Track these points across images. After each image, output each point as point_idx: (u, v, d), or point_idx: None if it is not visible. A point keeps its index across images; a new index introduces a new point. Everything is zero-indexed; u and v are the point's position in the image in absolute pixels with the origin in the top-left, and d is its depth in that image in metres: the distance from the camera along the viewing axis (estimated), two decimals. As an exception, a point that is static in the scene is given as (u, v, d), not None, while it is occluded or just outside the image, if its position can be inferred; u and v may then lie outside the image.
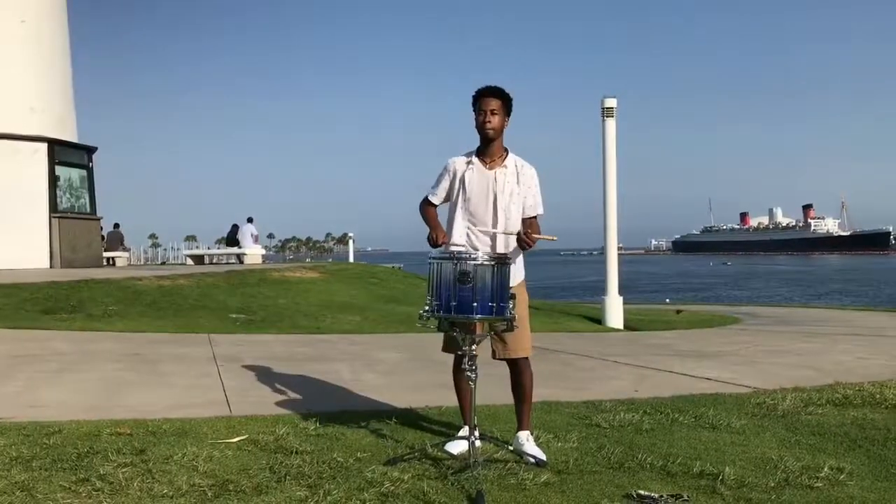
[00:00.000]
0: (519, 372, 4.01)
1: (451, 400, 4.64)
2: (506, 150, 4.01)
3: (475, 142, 4.02)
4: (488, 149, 3.96)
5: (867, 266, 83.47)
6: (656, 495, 3.16)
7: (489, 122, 3.87)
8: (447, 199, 4.06)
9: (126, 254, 24.97)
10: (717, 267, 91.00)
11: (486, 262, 3.47)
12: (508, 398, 5.15)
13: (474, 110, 3.93)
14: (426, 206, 4.10)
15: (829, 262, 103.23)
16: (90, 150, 18.62)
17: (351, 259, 29.17)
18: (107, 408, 4.76)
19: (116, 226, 25.22)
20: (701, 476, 3.51)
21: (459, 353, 3.72)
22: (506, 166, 3.96)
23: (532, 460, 3.71)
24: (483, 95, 3.91)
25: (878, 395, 5.28)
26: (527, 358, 4.02)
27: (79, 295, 10.37)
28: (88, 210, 18.35)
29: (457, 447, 3.83)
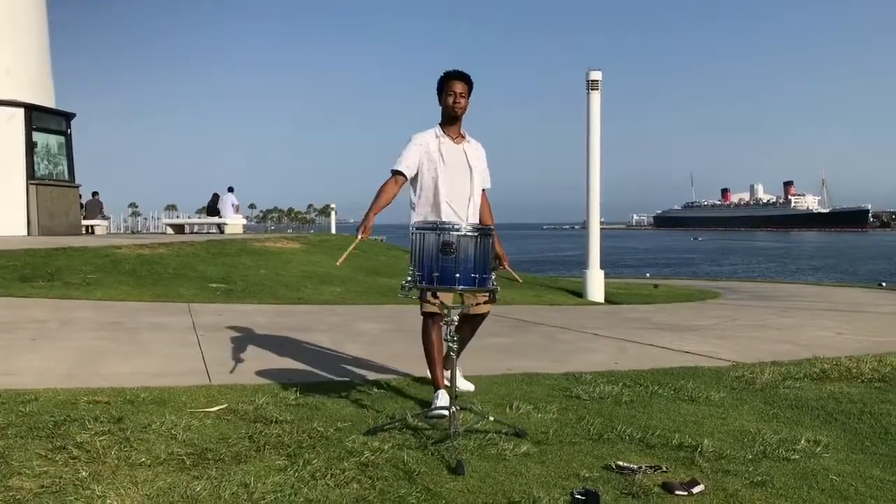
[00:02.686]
0: (475, 325, 4.37)
1: (432, 371, 4.67)
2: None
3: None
4: (453, 127, 4.28)
5: (845, 243, 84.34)
6: (635, 466, 3.18)
7: (458, 103, 4.21)
8: (415, 174, 4.26)
9: (105, 222, 24.73)
10: (696, 242, 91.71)
11: (469, 234, 3.45)
12: (488, 369, 5.17)
13: (442, 91, 4.25)
14: (395, 181, 4.21)
15: (807, 239, 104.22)
16: (68, 117, 18.33)
17: (333, 230, 29.09)
18: (84, 376, 4.71)
19: (95, 194, 24.95)
20: (680, 448, 3.53)
21: (443, 323, 3.74)
22: (469, 141, 4.33)
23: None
24: (453, 79, 4.23)
25: (854, 370, 5.33)
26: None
27: (56, 263, 10.26)
28: (67, 177, 18.12)
29: (443, 400, 4.01)
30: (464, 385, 4.53)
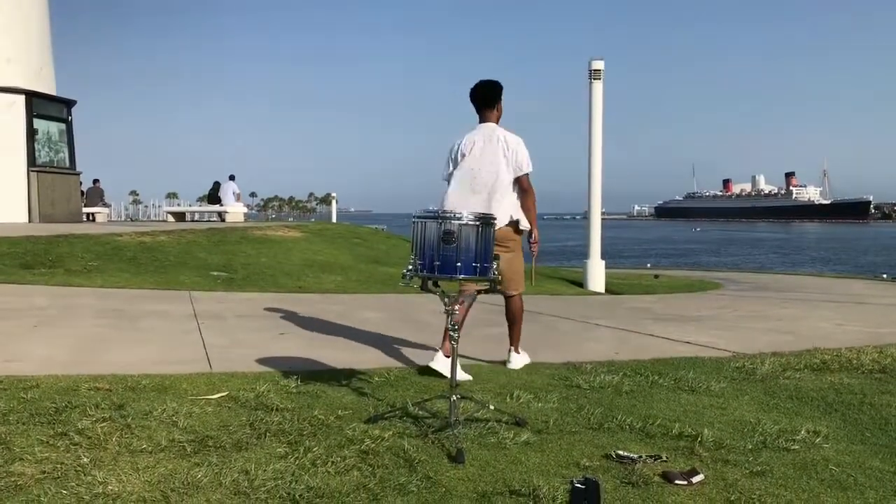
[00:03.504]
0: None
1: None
2: None
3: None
4: None
5: (847, 234, 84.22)
6: (635, 455, 3.18)
7: None
8: None
9: (106, 210, 24.72)
10: (697, 233, 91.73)
11: (470, 222, 3.44)
12: (489, 356, 5.19)
13: (501, 98, 4.85)
14: None
15: (809, 230, 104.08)
16: (69, 104, 18.29)
17: (334, 219, 29.08)
18: (86, 363, 4.72)
19: (96, 181, 24.94)
20: (680, 437, 3.54)
21: (443, 312, 3.74)
22: None
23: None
24: None
25: (854, 361, 5.34)
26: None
27: (58, 250, 10.26)
28: (68, 164, 18.09)
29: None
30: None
